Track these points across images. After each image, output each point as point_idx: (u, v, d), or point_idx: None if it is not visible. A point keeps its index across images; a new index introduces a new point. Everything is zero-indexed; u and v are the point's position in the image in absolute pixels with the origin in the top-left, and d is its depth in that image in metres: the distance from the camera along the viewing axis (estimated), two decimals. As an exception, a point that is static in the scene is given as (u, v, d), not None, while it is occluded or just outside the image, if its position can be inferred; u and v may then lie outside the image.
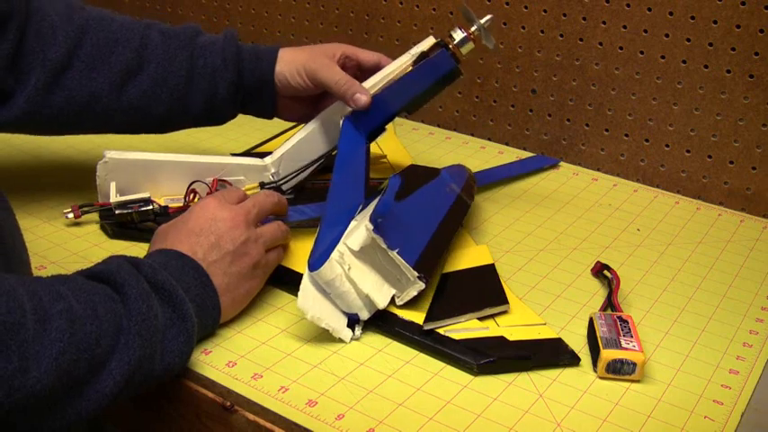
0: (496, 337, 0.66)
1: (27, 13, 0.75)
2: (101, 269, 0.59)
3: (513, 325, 0.68)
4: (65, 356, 0.52)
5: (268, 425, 0.59)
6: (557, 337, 0.67)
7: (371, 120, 0.82)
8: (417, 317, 0.67)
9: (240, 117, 0.88)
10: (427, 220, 0.74)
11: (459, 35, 0.81)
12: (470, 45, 0.81)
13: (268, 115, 0.88)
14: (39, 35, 0.75)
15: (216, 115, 0.84)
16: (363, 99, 0.79)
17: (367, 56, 0.86)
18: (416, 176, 0.81)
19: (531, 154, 1.05)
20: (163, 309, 0.59)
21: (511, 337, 0.66)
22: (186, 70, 0.81)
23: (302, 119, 0.88)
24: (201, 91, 0.82)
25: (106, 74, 0.78)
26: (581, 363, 0.65)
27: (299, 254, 0.75)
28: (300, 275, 0.66)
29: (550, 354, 0.65)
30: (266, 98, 0.85)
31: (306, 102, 0.87)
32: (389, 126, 0.86)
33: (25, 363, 0.50)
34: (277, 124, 0.94)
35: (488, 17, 0.81)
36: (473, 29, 0.81)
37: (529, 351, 0.65)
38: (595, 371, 0.64)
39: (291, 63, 0.83)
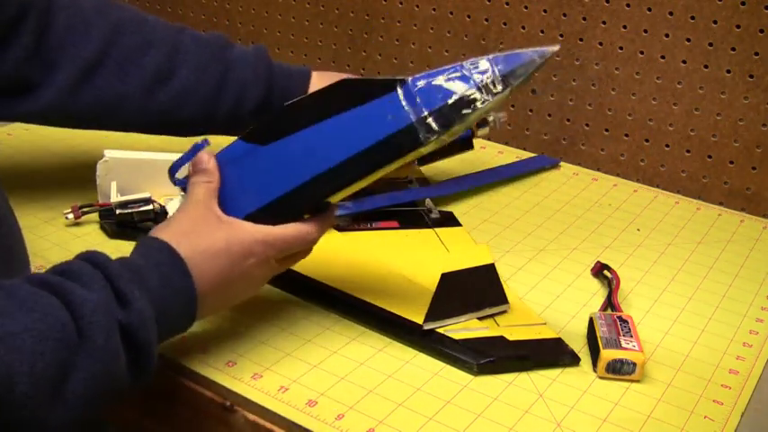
0: (496, 337, 0.66)
1: (50, 2, 0.75)
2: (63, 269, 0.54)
3: (513, 325, 0.68)
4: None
5: (268, 425, 0.59)
6: (557, 337, 0.67)
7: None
8: (417, 316, 0.67)
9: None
10: (306, 165, 0.60)
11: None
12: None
13: None
14: (71, 29, 0.75)
15: (238, 127, 0.82)
16: None
17: None
18: (324, 104, 0.60)
19: (531, 154, 1.05)
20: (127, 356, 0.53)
21: (511, 337, 0.66)
22: (217, 81, 0.80)
23: None
24: (229, 103, 0.81)
25: (137, 76, 0.77)
26: (581, 363, 0.65)
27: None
28: (305, 278, 0.65)
29: (550, 354, 0.65)
30: None
31: None
32: None
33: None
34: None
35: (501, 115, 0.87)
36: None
37: (529, 351, 0.65)
38: (595, 371, 0.64)
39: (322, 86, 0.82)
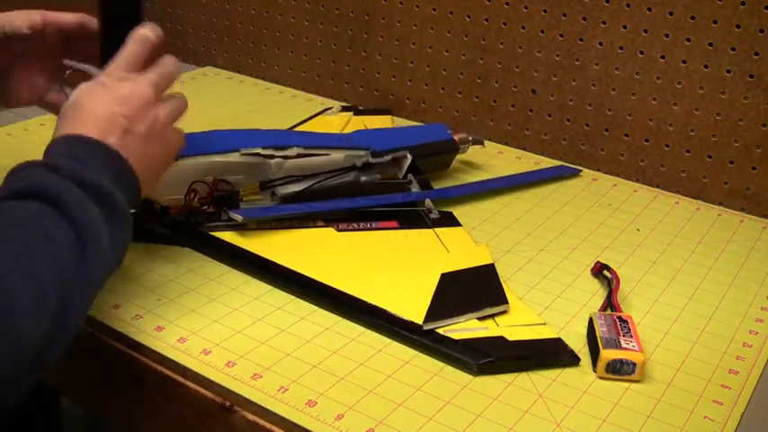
0: (496, 337, 0.66)
1: None
2: (24, 186, 0.56)
3: (513, 325, 0.68)
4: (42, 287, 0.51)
5: (267, 425, 0.59)
6: (556, 337, 0.67)
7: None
8: (417, 316, 0.67)
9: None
10: None
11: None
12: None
13: None
14: None
15: None
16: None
17: (68, 18, 0.74)
18: None
19: (531, 154, 1.05)
20: (99, 208, 0.57)
21: (510, 337, 0.66)
22: None
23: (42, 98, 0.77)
24: None
25: None
26: (581, 363, 0.65)
27: (295, 252, 0.75)
28: (299, 275, 0.66)
29: (550, 354, 0.65)
30: None
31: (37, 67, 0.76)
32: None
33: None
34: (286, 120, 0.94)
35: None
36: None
37: (528, 351, 0.65)
38: (595, 371, 0.64)
39: None
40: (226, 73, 1.31)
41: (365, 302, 0.69)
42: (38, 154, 0.61)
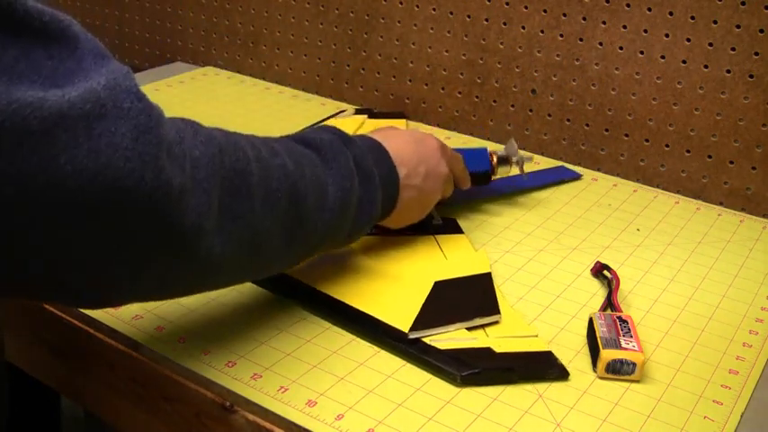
0: (483, 348, 0.64)
1: None
2: (313, 137, 0.65)
3: (503, 336, 0.66)
4: (281, 204, 0.57)
5: (267, 425, 0.59)
6: (547, 350, 0.65)
7: None
8: (404, 325, 0.66)
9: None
10: None
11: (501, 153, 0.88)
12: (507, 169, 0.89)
13: None
14: None
15: None
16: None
17: None
18: None
19: (531, 154, 1.04)
20: (360, 189, 0.65)
21: (498, 349, 0.65)
22: None
23: None
24: None
25: None
26: (581, 363, 0.65)
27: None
28: (292, 279, 0.65)
29: (537, 367, 0.63)
30: None
31: None
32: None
33: (251, 204, 0.54)
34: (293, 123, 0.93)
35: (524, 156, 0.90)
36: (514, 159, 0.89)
37: (515, 363, 0.63)
38: (595, 371, 0.64)
39: None
40: (226, 73, 1.31)
41: (353, 309, 0.68)
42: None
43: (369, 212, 0.67)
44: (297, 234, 0.60)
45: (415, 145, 0.74)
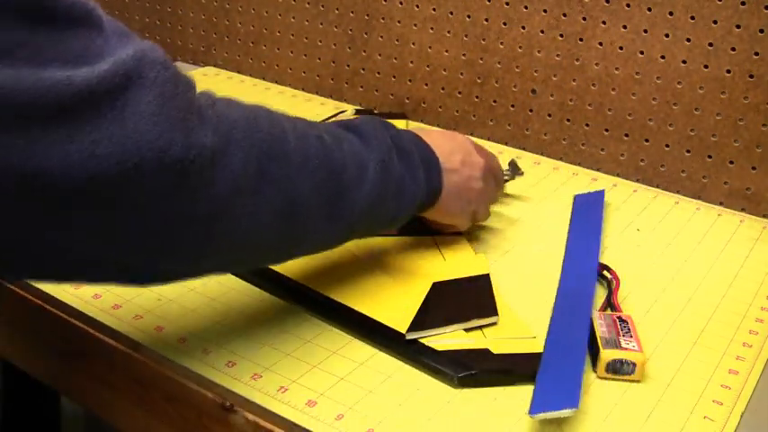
0: (480, 350, 0.64)
1: None
2: (346, 122, 0.65)
3: (501, 337, 0.66)
4: (319, 173, 0.57)
5: (268, 425, 0.59)
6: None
7: None
8: (401, 326, 0.65)
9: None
10: None
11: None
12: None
13: None
14: None
15: None
16: None
17: None
18: None
19: (531, 154, 1.04)
20: (400, 165, 0.64)
21: (496, 350, 0.64)
22: None
23: None
24: None
25: None
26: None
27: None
28: (290, 281, 0.65)
29: (535, 369, 0.63)
30: None
31: None
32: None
33: (288, 170, 0.54)
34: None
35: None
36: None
37: (512, 365, 0.63)
38: (595, 371, 0.64)
39: None
40: (226, 73, 1.31)
41: (351, 310, 0.68)
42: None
43: (413, 192, 0.66)
44: (335, 207, 0.59)
45: (444, 138, 0.73)
